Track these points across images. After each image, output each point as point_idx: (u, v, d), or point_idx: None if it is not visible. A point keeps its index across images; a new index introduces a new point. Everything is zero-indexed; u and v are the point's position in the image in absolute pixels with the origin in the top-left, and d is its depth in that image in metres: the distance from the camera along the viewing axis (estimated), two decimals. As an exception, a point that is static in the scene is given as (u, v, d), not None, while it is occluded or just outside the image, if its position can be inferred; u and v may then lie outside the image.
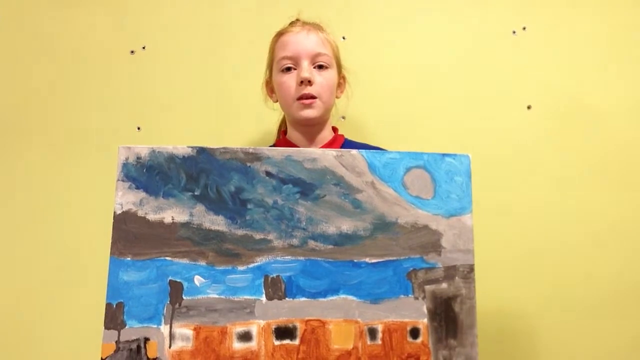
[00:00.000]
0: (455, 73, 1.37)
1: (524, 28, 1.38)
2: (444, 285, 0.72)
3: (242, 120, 1.34)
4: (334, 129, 1.11)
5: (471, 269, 0.73)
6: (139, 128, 1.35)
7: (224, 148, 0.74)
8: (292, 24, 1.06)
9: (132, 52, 1.37)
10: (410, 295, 0.72)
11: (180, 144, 1.32)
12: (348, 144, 1.08)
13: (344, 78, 1.11)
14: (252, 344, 0.69)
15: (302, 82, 0.99)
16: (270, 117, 1.18)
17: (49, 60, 1.37)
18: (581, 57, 1.38)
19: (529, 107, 1.37)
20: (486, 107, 1.36)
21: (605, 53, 1.39)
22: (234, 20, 1.38)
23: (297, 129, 1.07)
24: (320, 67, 1.02)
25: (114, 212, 0.71)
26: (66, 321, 1.27)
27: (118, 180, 0.72)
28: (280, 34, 1.06)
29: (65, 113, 1.36)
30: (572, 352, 1.29)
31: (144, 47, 1.37)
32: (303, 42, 1.02)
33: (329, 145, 1.06)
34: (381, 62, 1.37)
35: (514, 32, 1.38)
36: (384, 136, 1.28)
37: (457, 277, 0.73)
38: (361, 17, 1.38)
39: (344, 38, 1.17)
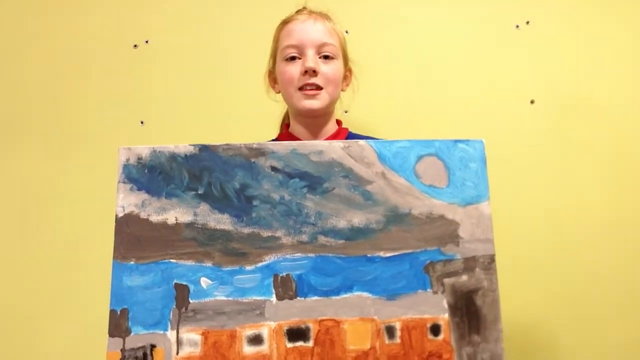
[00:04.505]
0: (459, 67, 1.36)
1: (528, 22, 1.37)
2: (464, 277, 0.68)
3: (246, 114, 1.32)
4: (338, 122, 1.08)
5: (492, 259, 0.69)
6: (142, 122, 1.35)
7: (226, 145, 0.71)
8: (298, 12, 1.03)
9: (135, 46, 1.38)
10: (428, 290, 0.68)
11: (183, 137, 1.33)
12: (352, 138, 1.05)
13: (350, 71, 1.08)
14: (264, 347, 0.66)
15: (306, 71, 0.96)
16: (275, 111, 1.15)
17: (52, 55, 1.38)
18: (584, 52, 1.37)
19: (532, 102, 1.35)
20: (489, 102, 1.35)
21: (609, 47, 1.37)
22: (237, 13, 1.38)
23: (300, 121, 1.03)
24: (326, 57, 0.99)
25: (116, 215, 0.69)
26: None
27: (119, 182, 0.70)
28: (285, 22, 1.02)
29: (68, 107, 1.36)
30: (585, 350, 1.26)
31: (147, 41, 1.38)
32: (309, 31, 0.98)
33: (333, 138, 1.02)
34: (383, 56, 1.36)
35: (517, 27, 1.37)
36: (386, 131, 1.26)
37: (477, 269, 0.68)
38: (363, 11, 1.38)
39: (347, 32, 1.16)
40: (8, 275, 1.29)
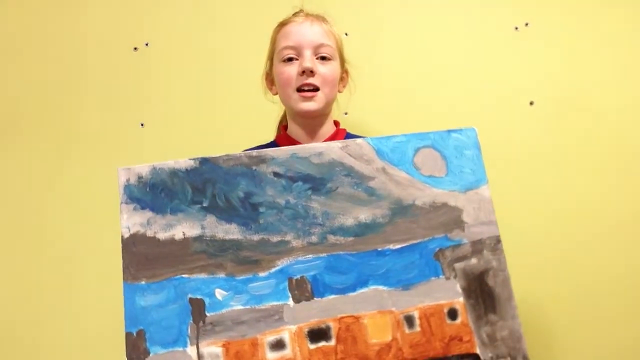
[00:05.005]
0: (458, 69, 1.37)
1: (527, 24, 1.38)
2: (474, 260, 0.70)
3: (245, 117, 1.33)
4: (336, 123, 1.09)
5: (498, 240, 0.71)
6: (142, 124, 1.34)
7: (226, 155, 0.72)
8: (295, 14, 1.04)
9: (135, 48, 1.38)
10: (441, 276, 0.69)
11: (183, 139, 1.32)
12: (350, 138, 1.05)
13: (347, 72, 1.09)
14: (287, 352, 0.65)
15: (303, 72, 0.97)
16: (273, 112, 1.16)
17: (52, 56, 1.37)
18: (583, 53, 1.38)
19: (531, 103, 1.36)
20: (488, 103, 1.35)
21: (608, 49, 1.38)
22: (236, 16, 1.39)
23: (298, 122, 1.04)
24: (323, 58, 0.99)
25: (122, 236, 0.68)
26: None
27: (122, 203, 0.69)
28: (282, 24, 1.03)
29: (68, 109, 1.35)
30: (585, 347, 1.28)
31: (147, 44, 1.38)
32: (306, 33, 0.99)
33: (332, 139, 1.02)
34: (382, 58, 1.37)
35: (516, 28, 1.38)
36: (385, 132, 1.25)
37: (485, 251, 0.70)
38: (363, 13, 1.39)
39: (346, 34, 1.17)
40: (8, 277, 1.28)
